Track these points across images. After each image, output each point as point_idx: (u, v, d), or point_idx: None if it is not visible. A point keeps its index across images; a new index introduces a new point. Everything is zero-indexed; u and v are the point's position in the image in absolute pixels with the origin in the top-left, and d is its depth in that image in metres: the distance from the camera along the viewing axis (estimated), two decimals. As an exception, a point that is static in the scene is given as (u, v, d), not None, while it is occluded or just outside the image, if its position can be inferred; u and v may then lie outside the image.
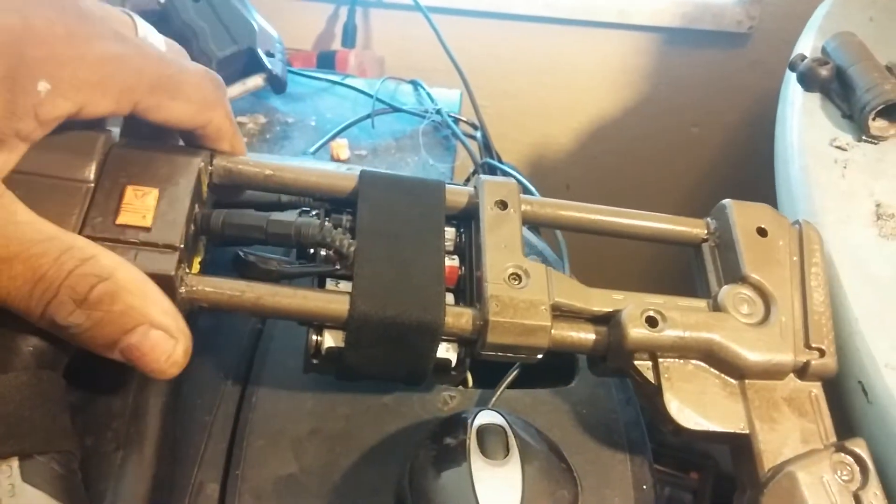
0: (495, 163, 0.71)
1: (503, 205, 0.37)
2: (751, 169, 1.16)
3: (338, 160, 0.70)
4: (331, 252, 0.34)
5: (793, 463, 0.32)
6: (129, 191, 0.30)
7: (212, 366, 0.38)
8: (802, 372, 0.35)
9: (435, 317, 0.33)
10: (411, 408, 0.38)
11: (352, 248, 0.34)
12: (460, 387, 0.39)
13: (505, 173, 0.67)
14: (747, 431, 0.33)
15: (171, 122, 0.31)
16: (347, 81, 0.80)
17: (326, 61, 0.98)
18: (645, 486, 0.35)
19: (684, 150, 1.21)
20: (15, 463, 0.25)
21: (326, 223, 0.34)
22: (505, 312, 0.33)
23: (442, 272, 0.35)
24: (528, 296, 0.34)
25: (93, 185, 0.30)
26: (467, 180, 0.74)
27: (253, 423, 0.36)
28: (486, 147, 0.75)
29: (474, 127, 0.77)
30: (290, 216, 0.34)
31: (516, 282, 0.34)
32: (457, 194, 0.38)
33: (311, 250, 0.35)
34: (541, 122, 1.19)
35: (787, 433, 0.33)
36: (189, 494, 0.33)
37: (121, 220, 0.29)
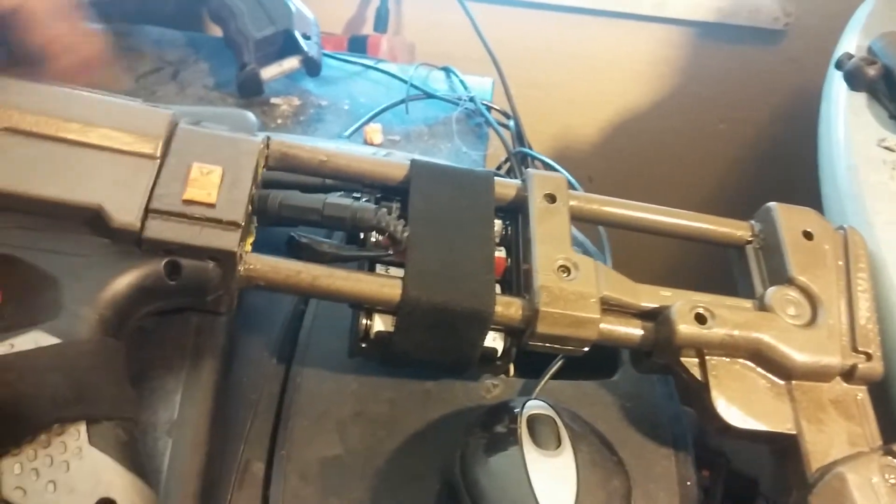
0: (529, 151, 0.70)
1: (552, 198, 0.37)
2: (779, 167, 1.15)
3: (371, 144, 0.70)
4: (381, 237, 0.35)
5: (842, 464, 0.32)
6: (195, 168, 0.30)
7: (257, 344, 0.38)
8: (849, 375, 0.35)
9: (485, 305, 0.33)
10: (454, 395, 0.38)
11: (405, 234, 0.34)
12: (503, 375, 0.39)
13: (542, 162, 0.66)
14: (794, 432, 0.33)
15: None
16: (381, 66, 0.79)
17: (358, 46, 0.98)
18: (689, 483, 0.36)
19: (711, 146, 1.19)
20: (83, 427, 0.26)
21: (381, 209, 0.34)
22: (555, 303, 0.33)
23: (492, 261, 0.35)
24: (577, 288, 0.34)
25: (159, 160, 0.30)
26: (499, 168, 0.74)
27: (298, 404, 0.36)
28: (519, 136, 0.75)
29: (507, 115, 0.76)
30: (345, 200, 0.35)
31: (566, 274, 0.34)
32: (505, 187, 0.38)
33: (361, 235, 0.35)
34: (567, 112, 1.18)
35: (834, 435, 0.33)
36: (236, 472, 0.34)
37: (187, 195, 0.30)
